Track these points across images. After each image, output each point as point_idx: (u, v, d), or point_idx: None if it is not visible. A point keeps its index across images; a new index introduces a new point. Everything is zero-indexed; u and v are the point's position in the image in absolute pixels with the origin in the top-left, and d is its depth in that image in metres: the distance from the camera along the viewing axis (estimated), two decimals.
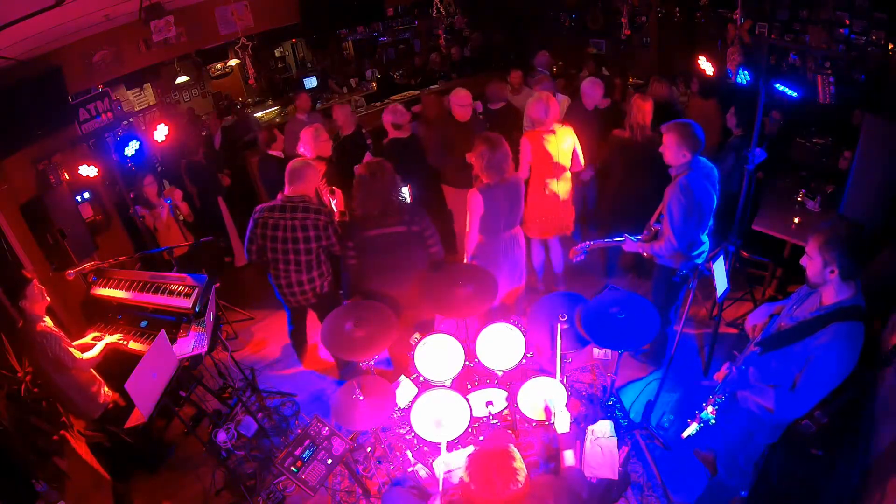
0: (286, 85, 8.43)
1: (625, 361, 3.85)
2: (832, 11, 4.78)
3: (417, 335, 3.18)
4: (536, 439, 2.70)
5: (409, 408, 2.80)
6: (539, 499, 1.75)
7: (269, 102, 8.16)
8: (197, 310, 3.53)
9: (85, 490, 3.01)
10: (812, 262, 2.03)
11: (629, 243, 3.34)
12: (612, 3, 7.05)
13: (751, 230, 3.98)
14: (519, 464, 1.68)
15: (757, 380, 2.23)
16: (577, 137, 4.02)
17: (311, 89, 8.09)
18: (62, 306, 3.97)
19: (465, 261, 3.60)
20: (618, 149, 4.11)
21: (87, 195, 4.57)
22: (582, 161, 4.07)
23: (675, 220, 3.04)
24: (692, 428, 2.39)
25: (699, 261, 3.23)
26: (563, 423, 2.28)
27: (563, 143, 3.90)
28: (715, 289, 3.05)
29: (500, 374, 2.97)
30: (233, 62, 7.94)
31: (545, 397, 2.58)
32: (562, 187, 4.00)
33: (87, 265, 3.84)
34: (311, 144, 4.06)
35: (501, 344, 3.05)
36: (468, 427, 2.60)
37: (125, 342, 3.55)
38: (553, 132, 3.87)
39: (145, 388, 2.68)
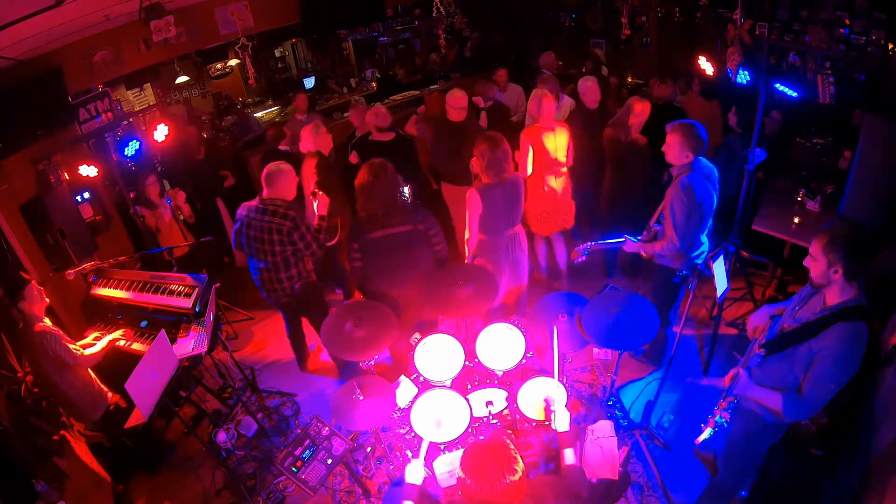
0: (286, 85, 8.42)
1: (625, 361, 3.85)
2: (832, 11, 4.78)
3: (417, 335, 3.18)
4: (536, 439, 2.70)
5: (409, 408, 2.80)
6: (539, 499, 1.74)
7: (269, 102, 8.16)
8: (197, 310, 3.53)
9: (85, 490, 3.01)
10: (816, 262, 2.03)
11: (629, 244, 3.35)
12: (612, 3, 7.05)
13: (751, 230, 3.98)
14: (514, 455, 1.66)
15: (762, 382, 2.23)
16: (581, 137, 4.15)
17: (310, 89, 8.09)
18: (62, 306, 3.98)
19: (466, 260, 3.61)
20: (607, 148, 4.19)
21: (87, 195, 4.56)
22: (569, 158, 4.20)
23: (678, 220, 3.05)
24: (706, 433, 2.39)
25: (699, 261, 3.25)
26: (562, 422, 2.28)
27: (560, 140, 4.03)
28: (715, 289, 3.05)
29: (500, 374, 2.97)
30: (233, 62, 7.94)
31: (545, 395, 2.58)
32: (560, 183, 4.15)
33: (87, 265, 3.84)
34: (310, 140, 4.12)
35: (501, 344, 3.05)
36: (468, 427, 2.60)
37: (126, 342, 3.55)
38: (552, 129, 4.00)
39: (145, 389, 2.68)
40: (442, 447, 2.60)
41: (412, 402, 2.83)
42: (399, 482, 2.59)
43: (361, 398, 2.61)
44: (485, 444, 1.72)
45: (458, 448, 2.61)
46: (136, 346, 3.53)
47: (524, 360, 2.97)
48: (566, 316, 2.82)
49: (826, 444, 2.65)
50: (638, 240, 3.34)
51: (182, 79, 7.31)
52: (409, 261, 3.22)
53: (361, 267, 3.25)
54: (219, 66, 7.94)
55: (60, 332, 3.07)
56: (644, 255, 3.38)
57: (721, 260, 3.02)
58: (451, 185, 4.67)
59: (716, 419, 2.35)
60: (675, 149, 3.02)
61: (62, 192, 4.20)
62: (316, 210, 3.49)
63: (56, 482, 2.71)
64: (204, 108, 7.62)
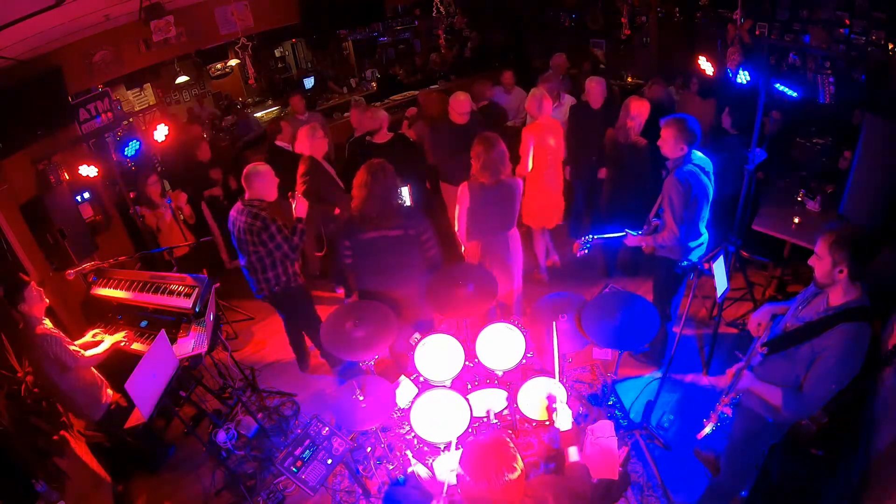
0: (286, 85, 8.42)
1: (625, 361, 3.85)
2: (832, 11, 4.78)
3: (417, 335, 3.18)
4: (536, 439, 2.70)
5: (409, 408, 2.80)
6: (538, 499, 1.73)
7: (269, 102, 8.16)
8: (197, 310, 3.53)
9: (85, 490, 3.01)
10: (821, 261, 2.03)
11: (631, 238, 3.38)
12: (612, 3, 7.05)
13: (751, 230, 3.98)
14: (514, 453, 1.65)
15: (763, 380, 2.23)
16: (585, 135, 4.35)
17: (309, 89, 8.10)
18: (62, 306, 3.98)
19: (461, 249, 3.69)
20: (607, 150, 4.24)
21: (87, 195, 4.57)
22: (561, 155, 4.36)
23: (675, 210, 3.11)
24: (708, 428, 2.39)
25: (700, 251, 3.31)
26: (565, 420, 2.27)
27: (557, 137, 4.15)
28: (715, 289, 3.05)
29: (500, 374, 2.97)
30: (233, 62, 7.94)
31: (547, 393, 2.57)
32: (557, 178, 4.31)
33: (87, 265, 3.83)
34: (306, 143, 4.12)
35: (501, 344, 3.05)
36: (468, 427, 2.60)
37: (126, 342, 3.55)
38: (551, 127, 4.11)
39: (145, 388, 2.68)
40: (441, 447, 2.60)
41: (412, 402, 2.83)
42: (398, 482, 2.59)
43: (361, 398, 2.61)
44: (484, 441, 1.71)
45: (459, 448, 2.61)
46: (136, 346, 3.53)
47: (524, 360, 2.97)
48: (566, 316, 2.82)
49: (826, 444, 2.64)
50: (638, 234, 3.37)
51: (182, 79, 7.32)
52: (400, 263, 3.21)
53: (352, 265, 3.25)
54: (219, 66, 7.95)
55: (61, 334, 3.07)
56: (645, 248, 3.41)
57: (721, 260, 3.03)
58: (451, 186, 4.67)
59: (718, 414, 2.35)
60: (669, 142, 3.11)
61: (62, 192, 4.20)
62: (294, 212, 3.50)
63: (56, 482, 2.71)
64: (207, 108, 7.61)
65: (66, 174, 4.28)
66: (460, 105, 4.35)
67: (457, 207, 3.50)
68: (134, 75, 6.00)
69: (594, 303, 2.85)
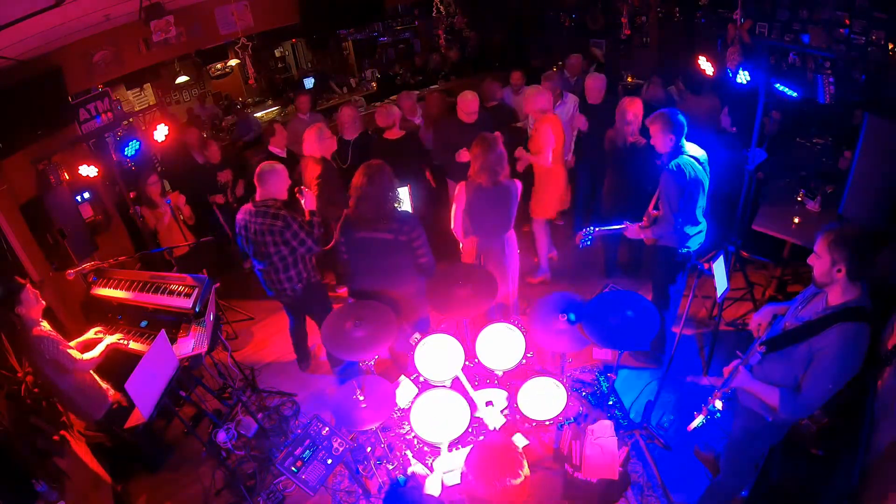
0: (286, 85, 8.43)
1: (625, 361, 3.85)
2: (832, 11, 4.78)
3: (417, 335, 3.18)
4: (536, 439, 2.71)
5: (409, 408, 2.80)
6: (539, 499, 1.74)
7: (269, 102, 8.17)
8: (197, 310, 3.53)
9: (85, 490, 3.01)
10: (820, 260, 2.03)
11: (631, 230, 3.41)
12: (612, 3, 7.05)
13: (751, 230, 3.98)
14: (521, 459, 1.67)
15: (762, 379, 2.23)
16: (586, 132, 4.49)
17: (309, 89, 8.10)
18: (62, 306, 3.98)
19: (459, 245, 3.71)
20: (607, 150, 4.24)
21: (87, 195, 4.56)
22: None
23: (672, 199, 3.17)
24: (698, 420, 2.39)
25: (699, 239, 3.37)
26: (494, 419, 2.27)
27: (559, 132, 4.25)
28: (715, 289, 3.06)
29: (500, 374, 2.97)
30: (233, 62, 7.94)
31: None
32: (563, 170, 4.48)
33: (87, 265, 3.83)
34: (315, 145, 4.07)
35: (501, 344, 3.05)
36: (468, 427, 2.60)
37: (125, 342, 3.55)
38: (558, 119, 4.24)
39: (145, 388, 2.68)
40: (441, 447, 2.60)
41: (412, 402, 2.83)
42: (398, 482, 2.59)
43: (361, 398, 2.61)
44: (493, 444, 1.73)
45: (459, 448, 2.62)
46: (136, 346, 3.53)
47: (524, 360, 2.97)
48: (566, 316, 2.83)
49: (826, 444, 2.64)
50: (638, 224, 3.42)
51: (182, 79, 7.32)
52: (390, 265, 3.20)
53: (347, 261, 3.26)
54: (219, 66, 7.96)
55: (59, 336, 3.05)
56: (646, 240, 3.44)
57: (721, 260, 3.03)
58: (456, 184, 4.67)
59: (709, 407, 2.35)
60: (658, 137, 3.18)
61: (62, 192, 4.20)
62: (304, 206, 3.49)
63: (56, 482, 2.71)
64: (208, 107, 7.61)
65: (66, 174, 4.28)
66: (468, 104, 4.35)
67: (453, 205, 3.52)
68: (134, 75, 5.99)
69: (594, 303, 2.86)
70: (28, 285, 3.01)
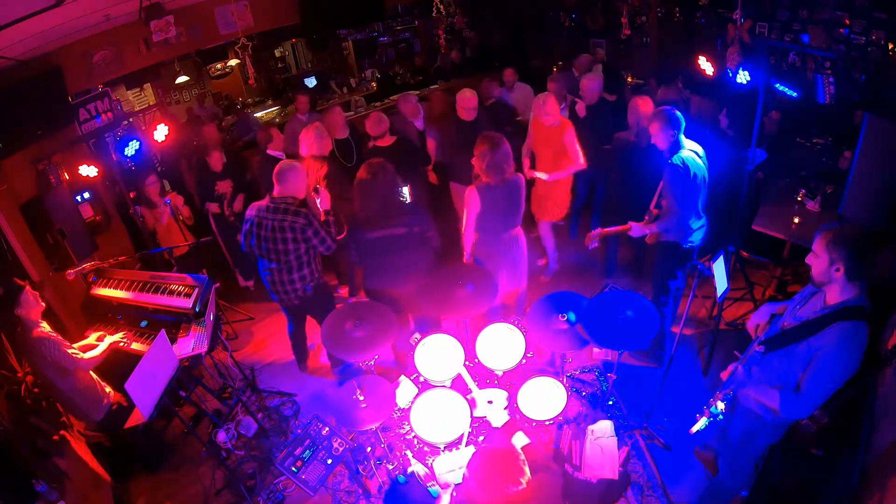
0: (286, 85, 8.43)
1: (625, 361, 3.85)
2: (832, 11, 4.78)
3: (417, 335, 3.18)
4: (537, 439, 2.70)
5: (409, 408, 2.80)
6: (539, 500, 1.75)
7: (269, 102, 8.17)
8: (197, 310, 3.53)
9: (85, 490, 3.01)
10: (818, 259, 2.02)
11: (635, 228, 3.41)
12: (612, 3, 7.05)
13: (751, 230, 3.98)
14: (523, 466, 1.67)
15: (761, 380, 2.23)
16: (585, 133, 4.37)
17: (310, 89, 8.09)
18: (62, 306, 3.98)
19: (465, 259, 3.61)
20: (620, 152, 4.18)
21: (87, 195, 4.56)
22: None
23: (675, 194, 3.19)
24: (701, 423, 2.39)
25: (701, 234, 3.39)
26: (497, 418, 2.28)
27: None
28: (715, 289, 3.06)
29: (500, 374, 2.97)
30: (233, 62, 7.95)
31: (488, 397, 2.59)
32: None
33: (87, 265, 3.83)
34: (315, 144, 4.07)
35: (501, 344, 3.05)
36: (468, 427, 2.60)
37: (126, 342, 3.55)
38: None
39: (145, 389, 2.68)
40: (442, 447, 2.60)
41: (412, 402, 2.83)
42: (398, 482, 2.59)
43: (361, 398, 2.61)
44: (496, 450, 1.73)
45: (458, 448, 2.61)
46: (136, 346, 3.53)
47: (524, 360, 2.97)
48: (566, 316, 2.82)
49: (826, 444, 2.64)
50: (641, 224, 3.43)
51: (182, 79, 7.33)
52: (406, 262, 3.22)
53: (360, 262, 3.27)
54: (219, 66, 7.97)
55: (59, 337, 3.06)
56: (649, 238, 3.45)
57: (721, 260, 3.03)
58: (460, 185, 4.66)
59: (711, 409, 2.35)
60: (659, 134, 3.20)
61: (62, 192, 4.20)
62: (320, 205, 3.49)
63: (56, 482, 2.71)
64: (209, 107, 7.60)
65: (66, 174, 4.28)
66: (467, 101, 4.34)
67: (465, 212, 3.44)
68: (134, 75, 6.00)
69: (594, 303, 2.86)
70: (27, 287, 3.01)
